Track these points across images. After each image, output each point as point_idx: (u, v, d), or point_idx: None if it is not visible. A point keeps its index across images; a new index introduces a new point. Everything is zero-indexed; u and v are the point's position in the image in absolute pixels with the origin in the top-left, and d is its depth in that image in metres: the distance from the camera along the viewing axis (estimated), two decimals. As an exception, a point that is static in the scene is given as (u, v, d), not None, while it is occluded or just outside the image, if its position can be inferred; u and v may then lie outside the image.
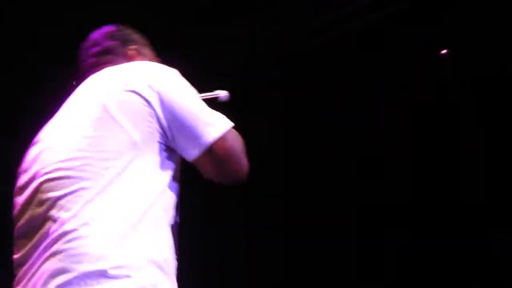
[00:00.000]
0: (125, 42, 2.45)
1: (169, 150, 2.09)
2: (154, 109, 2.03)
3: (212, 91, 2.63)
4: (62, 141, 2.06)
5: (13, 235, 2.09)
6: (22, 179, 2.13)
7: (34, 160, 2.11)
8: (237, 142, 2.14)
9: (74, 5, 4.45)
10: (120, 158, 1.97)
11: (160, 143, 2.05)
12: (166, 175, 2.07)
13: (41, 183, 2.01)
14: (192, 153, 2.08)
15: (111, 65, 2.26)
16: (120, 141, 1.99)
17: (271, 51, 5.24)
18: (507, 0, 4.42)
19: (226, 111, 2.22)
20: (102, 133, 2.00)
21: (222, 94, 2.68)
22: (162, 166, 2.06)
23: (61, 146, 2.04)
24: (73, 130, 2.06)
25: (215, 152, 2.08)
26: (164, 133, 2.05)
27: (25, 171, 2.14)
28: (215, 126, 2.08)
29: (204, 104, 2.13)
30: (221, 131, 2.08)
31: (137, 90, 2.03)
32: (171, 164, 2.09)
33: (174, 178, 2.10)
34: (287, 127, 5.29)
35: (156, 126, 2.03)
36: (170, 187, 2.07)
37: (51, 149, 2.07)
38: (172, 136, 2.06)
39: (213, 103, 2.52)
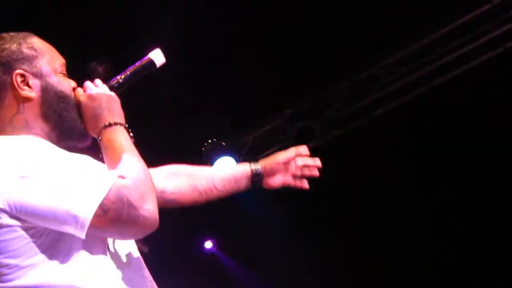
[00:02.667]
0: (8, 66, 2.19)
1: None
2: (15, 225, 1.96)
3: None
4: None
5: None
6: None
7: None
8: (122, 203, 1.96)
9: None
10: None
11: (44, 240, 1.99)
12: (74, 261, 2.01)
13: None
14: (80, 235, 1.96)
15: None
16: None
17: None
18: None
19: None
20: None
21: (157, 57, 2.44)
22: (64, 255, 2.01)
23: None
24: None
25: (101, 229, 1.97)
26: (44, 230, 1.98)
27: None
28: (83, 210, 1.92)
29: (68, 183, 1.95)
30: (91, 212, 1.92)
31: None
32: (72, 248, 2.02)
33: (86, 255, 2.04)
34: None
35: (25, 235, 1.97)
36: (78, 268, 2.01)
37: None
38: (51, 230, 1.98)
39: (150, 71, 2.43)
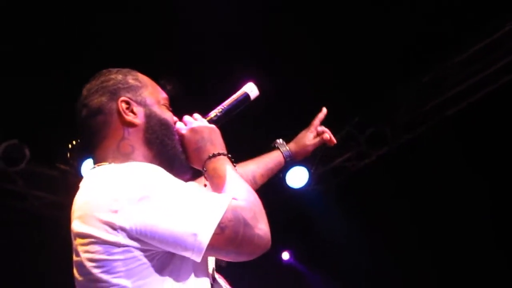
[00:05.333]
0: (113, 94, 2.28)
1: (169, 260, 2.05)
2: (138, 247, 1.99)
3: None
4: None
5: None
6: None
7: None
8: (239, 221, 2.01)
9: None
10: None
11: (157, 262, 2.02)
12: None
13: None
14: (197, 259, 2.00)
15: (103, 147, 2.24)
16: None
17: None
18: None
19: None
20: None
21: (251, 90, 2.54)
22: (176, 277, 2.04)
23: None
24: None
25: (219, 248, 2.00)
26: (157, 254, 2.01)
27: None
28: (203, 228, 1.96)
29: (186, 203, 2.00)
30: (211, 230, 1.96)
31: (108, 234, 1.99)
32: (182, 271, 2.06)
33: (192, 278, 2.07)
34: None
35: (142, 258, 2.00)
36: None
37: None
38: (168, 252, 2.02)
39: (246, 105, 2.52)
